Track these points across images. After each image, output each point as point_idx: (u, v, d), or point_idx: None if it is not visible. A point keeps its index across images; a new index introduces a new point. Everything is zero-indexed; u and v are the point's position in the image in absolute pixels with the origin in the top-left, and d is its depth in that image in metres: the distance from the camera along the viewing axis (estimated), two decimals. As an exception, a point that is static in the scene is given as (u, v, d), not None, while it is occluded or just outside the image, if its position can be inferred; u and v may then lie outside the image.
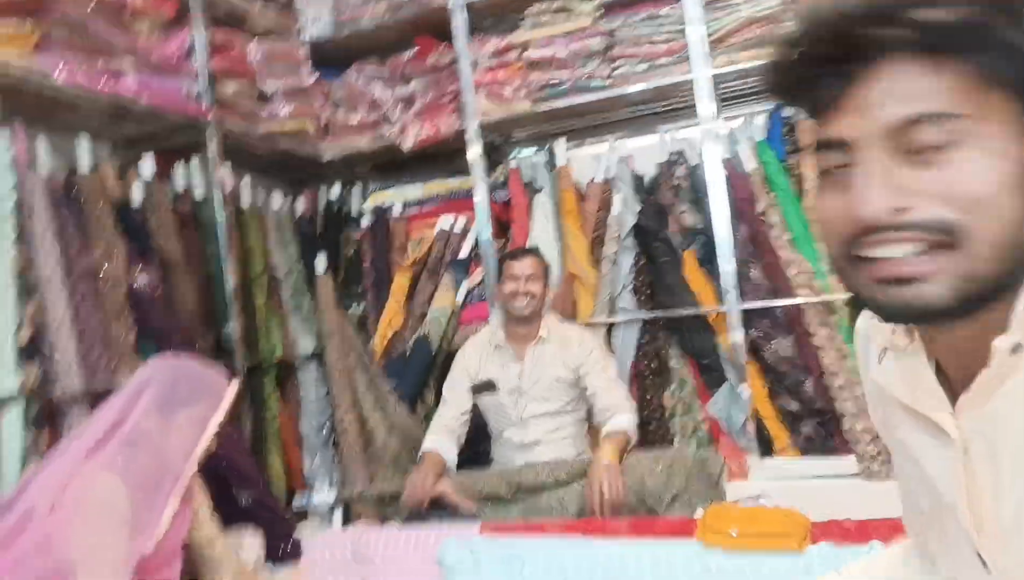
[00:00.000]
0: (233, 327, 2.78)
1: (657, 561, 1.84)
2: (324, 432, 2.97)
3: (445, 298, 3.09)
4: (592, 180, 3.14)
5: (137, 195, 2.60)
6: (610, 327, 2.98)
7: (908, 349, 0.66)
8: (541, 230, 3.13)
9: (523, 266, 2.58)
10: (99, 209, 2.43)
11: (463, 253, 3.19)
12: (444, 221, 3.25)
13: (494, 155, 3.40)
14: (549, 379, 2.57)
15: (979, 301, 0.55)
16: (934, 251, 0.54)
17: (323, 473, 2.83)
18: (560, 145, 3.12)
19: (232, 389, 1.69)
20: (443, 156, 3.34)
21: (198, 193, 2.85)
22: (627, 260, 2.96)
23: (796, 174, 2.83)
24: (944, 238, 0.54)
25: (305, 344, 3.10)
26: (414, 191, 3.41)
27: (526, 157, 3.40)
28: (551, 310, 2.85)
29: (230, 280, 2.81)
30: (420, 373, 2.98)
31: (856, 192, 0.57)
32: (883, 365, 0.70)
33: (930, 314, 0.56)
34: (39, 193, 2.23)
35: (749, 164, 2.85)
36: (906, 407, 0.68)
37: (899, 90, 0.55)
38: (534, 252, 2.70)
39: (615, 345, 2.96)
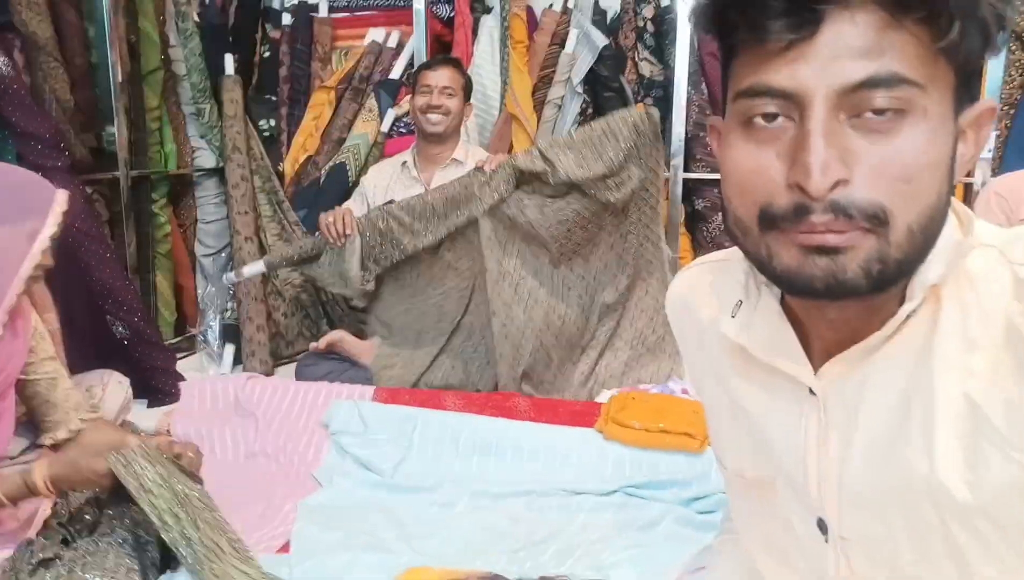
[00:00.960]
0: (118, 128, 2.42)
1: (553, 446, 1.76)
2: (222, 258, 2.72)
3: (368, 124, 2.76)
4: (549, 7, 2.76)
5: (-5, -47, 2.13)
6: (545, 178, 2.75)
7: (760, 304, 0.66)
8: (485, 58, 2.78)
9: (438, 76, 2.27)
10: (-59, -35, 1.97)
11: (394, 73, 2.83)
12: (376, 33, 2.84)
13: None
14: None
15: (886, 283, 0.54)
16: (858, 230, 0.52)
17: (217, 303, 2.61)
18: (516, -40, 2.70)
19: (61, 200, 1.41)
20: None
21: (79, -40, 2.38)
22: (573, 107, 2.68)
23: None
24: (871, 223, 0.52)
25: (205, 158, 2.76)
26: (346, -8, 2.95)
27: (479, -33, 2.95)
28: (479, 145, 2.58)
29: (115, 73, 2.41)
30: (332, 205, 2.71)
31: (803, 156, 0.52)
32: (736, 319, 0.67)
33: (842, 290, 0.54)
34: None
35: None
36: (757, 364, 0.66)
37: (859, 44, 0.50)
38: (453, 62, 2.38)
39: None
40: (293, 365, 2.41)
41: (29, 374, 1.47)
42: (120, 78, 2.44)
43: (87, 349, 2.13)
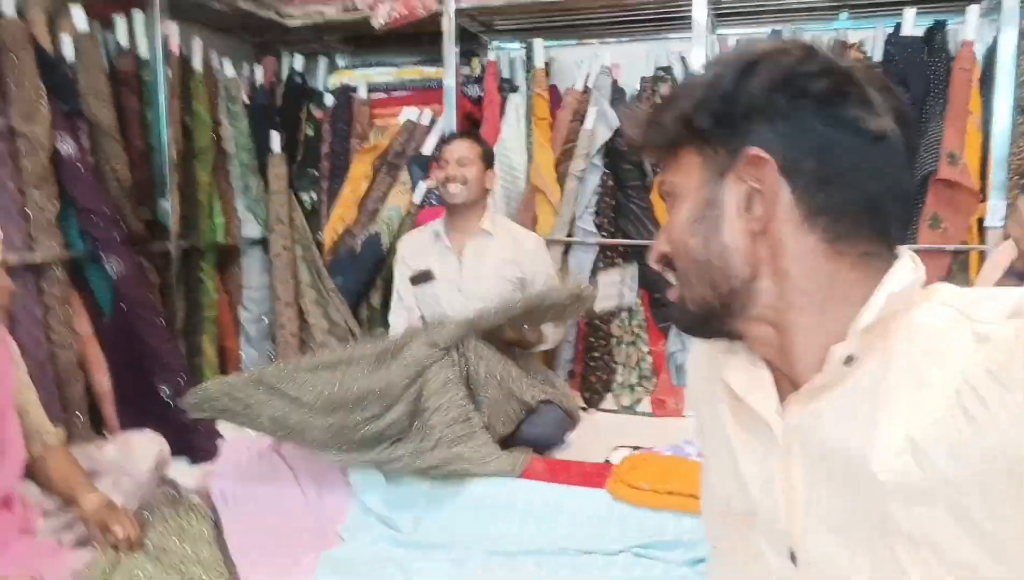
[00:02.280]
0: (170, 203, 2.63)
1: (564, 506, 1.81)
2: (264, 323, 2.88)
3: (401, 196, 2.93)
4: (571, 87, 2.92)
5: (68, 48, 2.38)
6: (567, 247, 2.87)
7: (742, 349, 0.76)
8: (512, 134, 2.94)
9: (452, 149, 2.41)
10: (23, 60, 2.21)
11: (426, 148, 3.01)
12: (410, 112, 3.04)
13: (473, 46, 3.15)
14: (491, 275, 2.42)
15: (708, 321, 0.73)
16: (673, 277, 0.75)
17: (257, 365, 2.76)
18: (538, 44, 2.87)
19: None
20: (419, 41, 3.09)
21: (142, 51, 2.63)
22: (593, 179, 2.81)
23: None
24: (668, 267, 0.75)
25: (251, 228, 2.96)
26: (383, 75, 3.18)
27: (507, 51, 3.15)
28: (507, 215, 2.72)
29: (169, 151, 2.63)
30: (367, 273, 2.87)
31: None
32: (724, 358, 0.78)
33: (683, 330, 0.78)
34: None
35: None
36: (736, 400, 0.75)
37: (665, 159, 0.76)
38: (468, 134, 2.54)
39: (570, 266, 2.86)
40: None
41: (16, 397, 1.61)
42: (173, 157, 2.66)
43: (135, 409, 2.29)
